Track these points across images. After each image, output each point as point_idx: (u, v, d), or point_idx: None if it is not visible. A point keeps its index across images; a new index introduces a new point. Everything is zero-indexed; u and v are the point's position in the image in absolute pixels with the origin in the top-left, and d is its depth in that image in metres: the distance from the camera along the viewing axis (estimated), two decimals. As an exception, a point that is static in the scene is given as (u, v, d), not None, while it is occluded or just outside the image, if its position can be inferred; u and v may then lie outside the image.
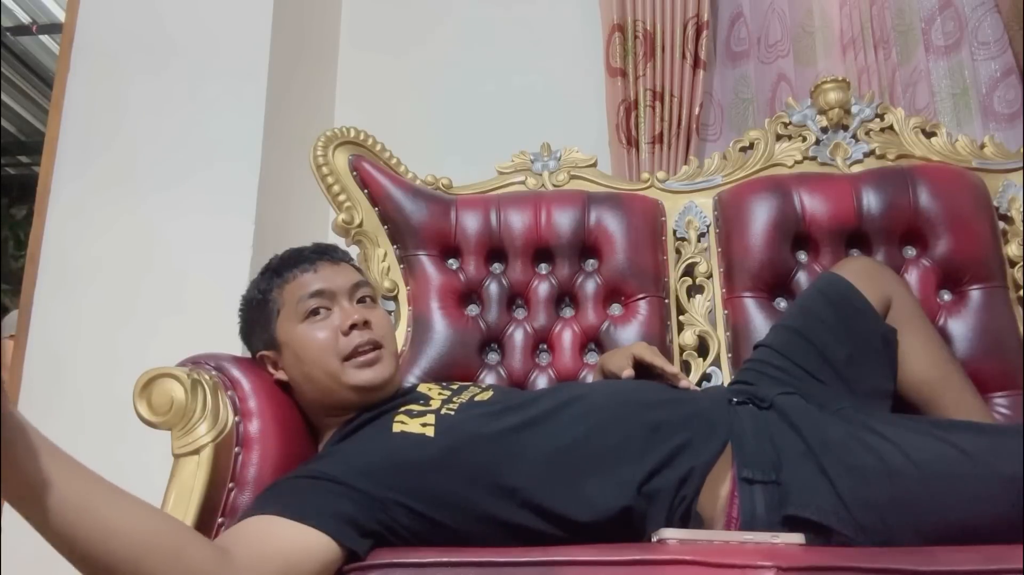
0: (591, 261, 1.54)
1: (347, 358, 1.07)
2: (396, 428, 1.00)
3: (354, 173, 1.50)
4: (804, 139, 1.60)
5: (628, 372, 1.15)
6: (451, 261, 1.54)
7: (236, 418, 1.02)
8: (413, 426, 1.00)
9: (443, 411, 1.03)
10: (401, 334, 1.46)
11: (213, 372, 1.04)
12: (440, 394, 1.11)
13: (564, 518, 0.92)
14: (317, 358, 1.07)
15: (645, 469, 0.94)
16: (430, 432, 0.98)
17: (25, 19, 3.66)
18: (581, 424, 1.00)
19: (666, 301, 1.51)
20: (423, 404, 1.06)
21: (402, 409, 1.04)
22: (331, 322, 1.08)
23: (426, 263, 1.51)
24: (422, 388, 1.15)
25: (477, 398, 1.09)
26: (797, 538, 0.85)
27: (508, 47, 2.21)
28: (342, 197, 1.48)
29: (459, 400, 1.07)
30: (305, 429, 1.13)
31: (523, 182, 1.62)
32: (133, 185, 1.93)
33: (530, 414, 1.02)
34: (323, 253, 1.16)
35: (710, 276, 1.53)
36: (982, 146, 1.56)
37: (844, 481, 0.91)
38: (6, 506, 1.76)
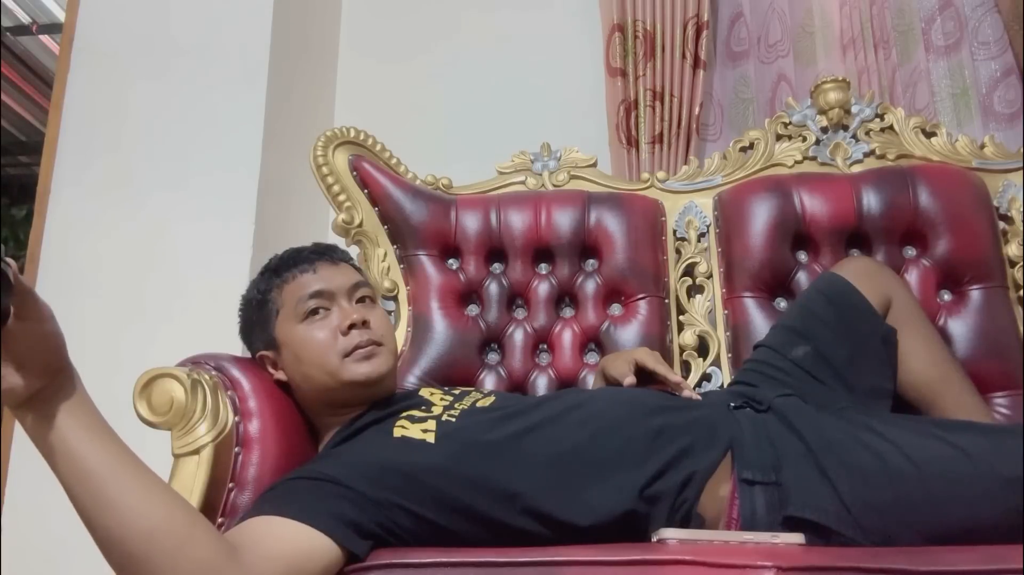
0: (591, 261, 1.54)
1: (346, 356, 1.06)
2: (397, 433, 1.00)
3: (354, 173, 1.50)
4: (804, 139, 1.60)
5: (630, 380, 1.14)
6: (451, 261, 1.54)
7: (236, 418, 1.02)
8: (414, 431, 1.00)
9: (444, 417, 1.03)
10: (401, 334, 1.46)
11: (213, 372, 1.04)
12: (442, 399, 1.10)
13: (565, 523, 0.92)
14: (316, 358, 1.06)
15: (647, 474, 0.94)
16: (431, 438, 0.98)
17: (25, 19, 3.66)
18: (582, 430, 1.00)
19: (666, 301, 1.51)
20: (425, 410, 1.05)
21: (404, 414, 1.04)
22: (330, 322, 1.08)
23: (426, 263, 1.51)
24: (424, 392, 1.15)
25: (479, 404, 1.09)
26: (797, 538, 0.85)
27: (508, 47, 2.21)
28: (342, 197, 1.48)
29: (461, 406, 1.07)
30: (305, 429, 1.13)
31: (523, 182, 1.62)
32: (133, 185, 1.93)
33: (531, 420, 1.02)
34: (322, 253, 1.16)
35: (710, 276, 1.53)
36: (982, 146, 1.56)
37: (844, 481, 0.91)
38: (7, 507, 1.77)
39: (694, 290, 1.54)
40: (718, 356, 1.48)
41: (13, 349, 0.71)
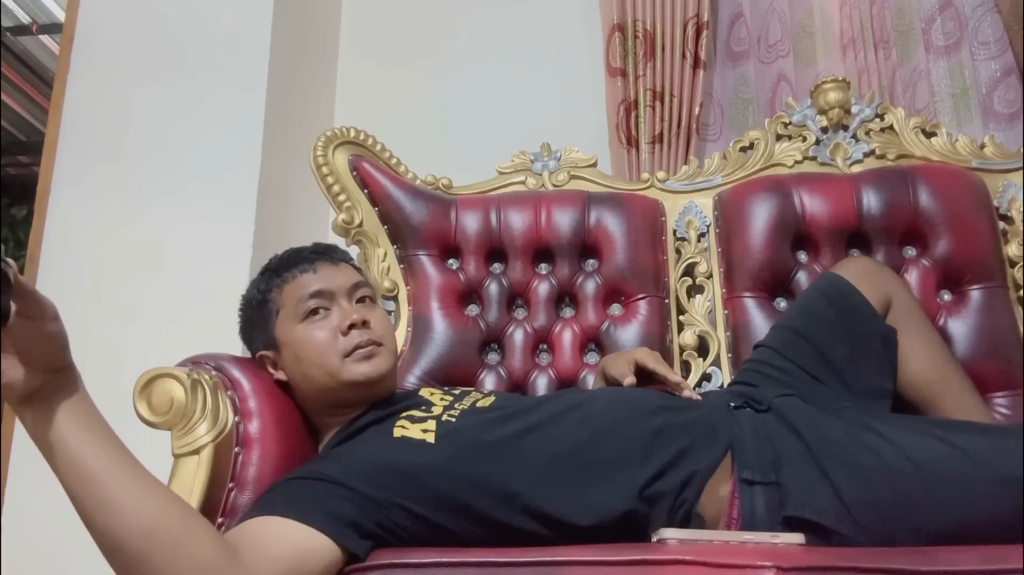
0: (591, 261, 1.54)
1: (346, 356, 1.06)
2: (397, 433, 1.00)
3: (354, 173, 1.50)
4: (804, 139, 1.60)
5: (630, 379, 1.14)
6: (451, 261, 1.54)
7: (236, 418, 1.02)
8: (414, 431, 1.00)
9: (444, 417, 1.03)
10: (401, 334, 1.46)
11: (213, 372, 1.04)
12: (442, 399, 1.10)
13: (565, 523, 0.92)
14: (316, 358, 1.07)
15: (647, 473, 0.94)
16: (431, 438, 0.98)
17: (25, 19, 3.66)
18: (582, 430, 1.00)
19: (666, 301, 1.51)
20: (425, 410, 1.06)
21: (404, 414, 1.04)
22: (330, 322, 1.08)
23: (426, 263, 1.51)
24: (424, 392, 1.15)
25: (479, 404, 1.09)
26: (797, 538, 0.85)
27: (508, 47, 2.21)
28: (342, 197, 1.48)
29: (461, 406, 1.07)
30: (305, 429, 1.13)
31: (523, 182, 1.62)
32: (133, 185, 1.93)
33: (531, 420, 1.02)
34: (322, 253, 1.16)
35: (710, 276, 1.53)
36: (982, 146, 1.56)
37: (844, 481, 0.91)
38: (7, 507, 1.77)
39: (694, 290, 1.54)
40: (718, 356, 1.48)
41: (15, 345, 0.72)
